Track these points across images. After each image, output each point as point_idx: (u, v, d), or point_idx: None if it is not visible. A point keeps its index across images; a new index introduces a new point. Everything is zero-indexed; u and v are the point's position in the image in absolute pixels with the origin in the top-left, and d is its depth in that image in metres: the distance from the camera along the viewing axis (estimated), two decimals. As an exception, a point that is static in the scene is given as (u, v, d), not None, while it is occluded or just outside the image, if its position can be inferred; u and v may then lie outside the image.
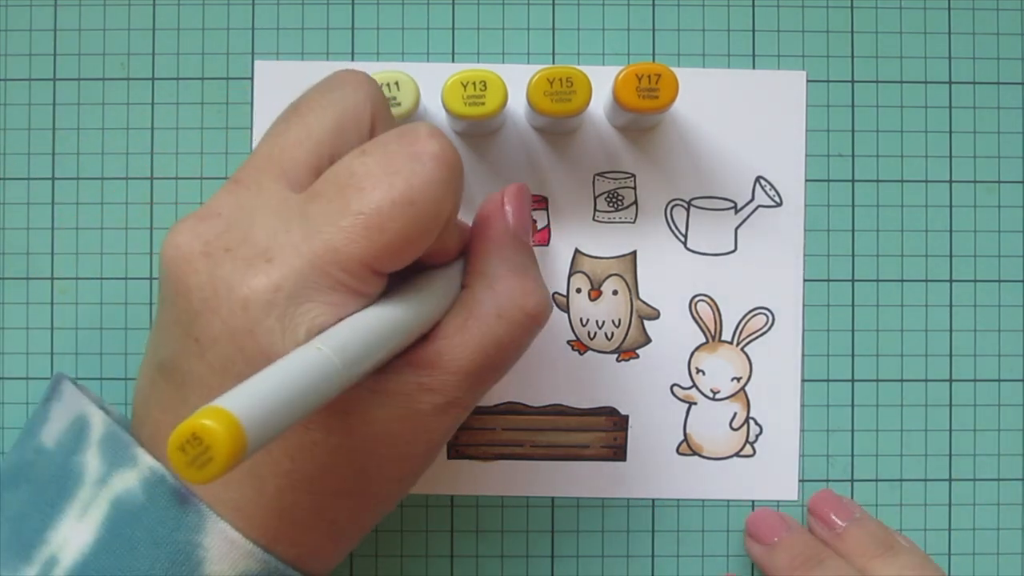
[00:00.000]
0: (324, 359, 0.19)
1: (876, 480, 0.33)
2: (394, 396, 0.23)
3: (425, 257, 0.24)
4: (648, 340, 0.33)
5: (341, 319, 0.21)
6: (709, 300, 0.33)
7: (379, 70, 0.30)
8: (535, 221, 0.33)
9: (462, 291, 0.25)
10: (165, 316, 0.23)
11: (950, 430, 0.33)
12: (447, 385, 0.23)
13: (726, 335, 0.33)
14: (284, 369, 0.19)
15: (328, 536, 0.24)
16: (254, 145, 0.33)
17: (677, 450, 0.33)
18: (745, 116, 0.33)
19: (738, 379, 0.33)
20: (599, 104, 0.33)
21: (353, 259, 0.21)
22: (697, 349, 0.33)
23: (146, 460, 0.23)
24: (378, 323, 0.22)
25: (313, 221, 0.21)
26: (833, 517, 0.32)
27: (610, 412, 0.33)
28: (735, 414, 0.33)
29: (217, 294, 0.21)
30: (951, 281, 0.33)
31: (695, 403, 0.33)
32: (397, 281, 0.24)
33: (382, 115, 0.24)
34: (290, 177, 0.23)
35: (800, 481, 0.33)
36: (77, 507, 0.23)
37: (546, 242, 0.33)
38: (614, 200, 0.33)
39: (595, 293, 0.33)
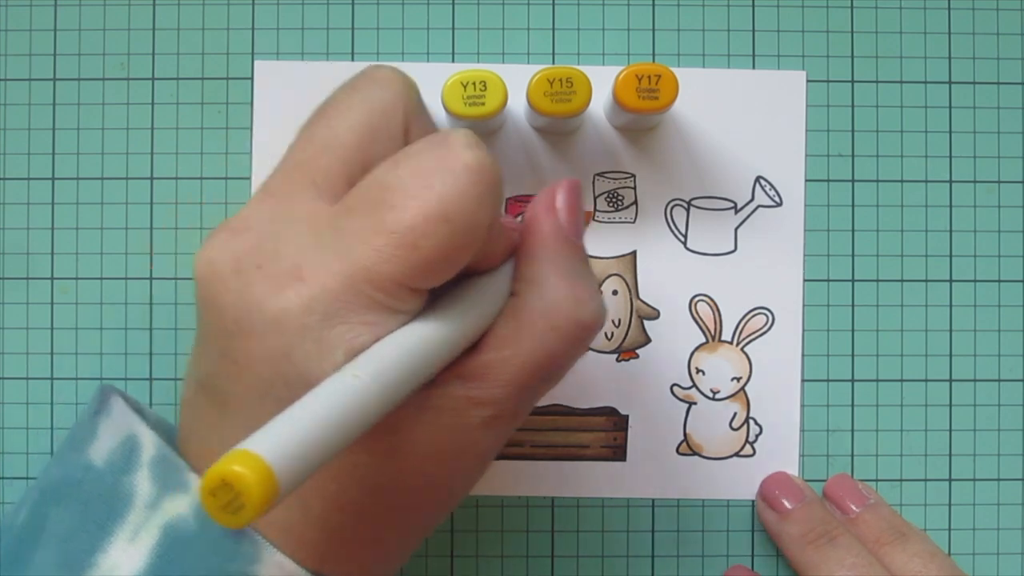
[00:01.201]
0: (361, 388, 0.19)
1: (876, 480, 0.33)
2: (442, 412, 0.22)
3: (470, 265, 0.22)
4: (648, 340, 0.33)
5: (379, 338, 0.20)
6: (709, 300, 0.33)
7: (379, 70, 0.30)
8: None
9: (511, 298, 0.24)
10: (202, 331, 0.22)
11: (950, 430, 0.33)
12: (497, 398, 0.22)
13: (726, 335, 0.33)
14: (317, 402, 0.18)
15: (377, 556, 0.24)
16: (254, 145, 0.33)
17: (677, 450, 0.33)
18: (745, 116, 0.33)
19: (738, 379, 0.33)
20: (599, 104, 0.33)
21: (387, 279, 0.20)
22: (697, 349, 0.33)
23: (198, 486, 0.22)
24: (419, 342, 0.21)
25: (345, 239, 0.20)
26: (848, 502, 0.32)
27: (610, 412, 0.33)
28: (735, 414, 0.33)
29: (250, 315, 0.20)
30: (951, 281, 0.33)
31: (695, 403, 0.33)
32: (442, 289, 0.22)
33: (416, 114, 0.23)
34: (321, 187, 0.22)
35: (800, 481, 0.33)
36: (128, 530, 0.22)
37: (546, 242, 0.33)
38: (614, 200, 0.33)
39: (595, 293, 0.33)
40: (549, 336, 0.23)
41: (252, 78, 0.33)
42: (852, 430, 0.33)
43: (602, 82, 0.32)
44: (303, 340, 0.20)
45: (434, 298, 0.22)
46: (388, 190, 0.20)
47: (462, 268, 0.21)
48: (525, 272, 0.24)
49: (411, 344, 0.20)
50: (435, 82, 0.31)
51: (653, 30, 0.33)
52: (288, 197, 0.22)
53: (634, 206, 0.33)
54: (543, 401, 0.33)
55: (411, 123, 0.23)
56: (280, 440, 0.17)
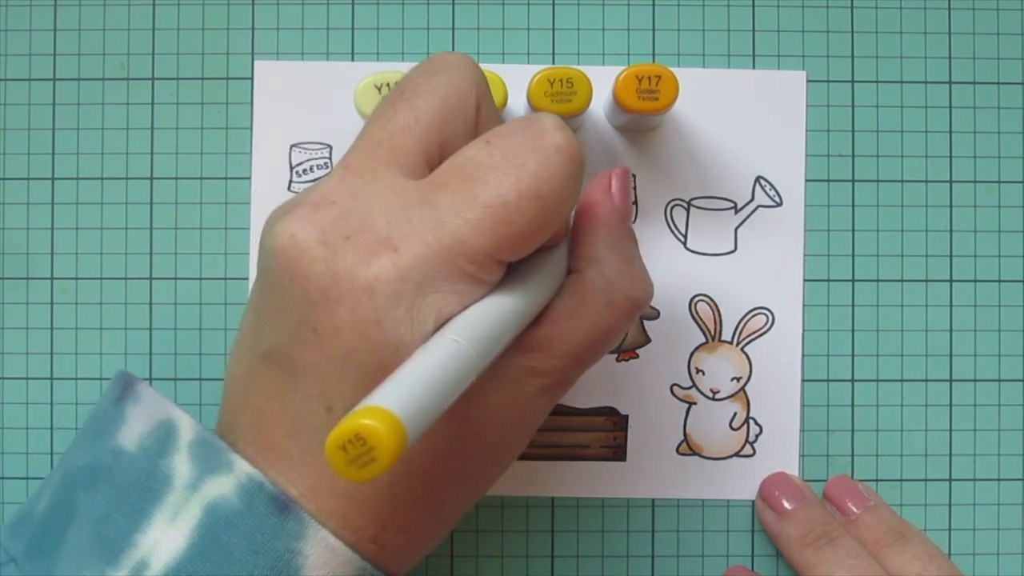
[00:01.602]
0: (462, 352, 0.20)
1: (876, 480, 0.33)
2: (504, 379, 0.23)
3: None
4: (648, 340, 0.33)
5: (465, 307, 0.22)
6: (709, 300, 0.33)
7: (379, 70, 0.30)
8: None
9: (570, 275, 0.25)
10: (270, 304, 0.22)
11: (950, 430, 0.33)
12: (554, 368, 0.24)
13: (726, 335, 0.33)
14: (427, 364, 0.19)
15: (435, 520, 0.24)
16: (254, 145, 0.33)
17: (677, 450, 0.33)
18: (745, 116, 0.33)
19: (738, 379, 0.33)
20: (599, 104, 0.33)
21: (479, 251, 0.21)
22: (697, 349, 0.33)
23: (243, 467, 0.22)
24: (501, 311, 0.22)
25: (438, 211, 0.21)
26: (848, 504, 0.32)
27: (610, 412, 0.33)
28: (735, 414, 0.33)
29: (338, 283, 0.21)
30: (951, 281, 0.33)
31: (695, 403, 0.33)
32: (512, 265, 0.24)
33: (485, 98, 0.24)
34: (402, 164, 0.23)
35: (800, 481, 0.33)
36: (166, 511, 0.22)
37: (546, 242, 0.33)
38: (614, 200, 0.33)
39: (595, 293, 0.33)
40: (607, 311, 0.24)
41: (252, 78, 0.33)
42: (852, 430, 0.33)
43: (602, 82, 0.32)
44: (395, 307, 0.21)
45: (505, 273, 0.23)
46: (481, 167, 0.22)
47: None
48: (585, 251, 0.25)
49: (495, 313, 0.22)
50: (435, 82, 0.31)
51: (653, 30, 0.33)
52: (372, 173, 0.22)
53: (634, 206, 0.33)
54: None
55: (480, 107, 0.24)
56: (405, 397, 0.18)
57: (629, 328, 0.25)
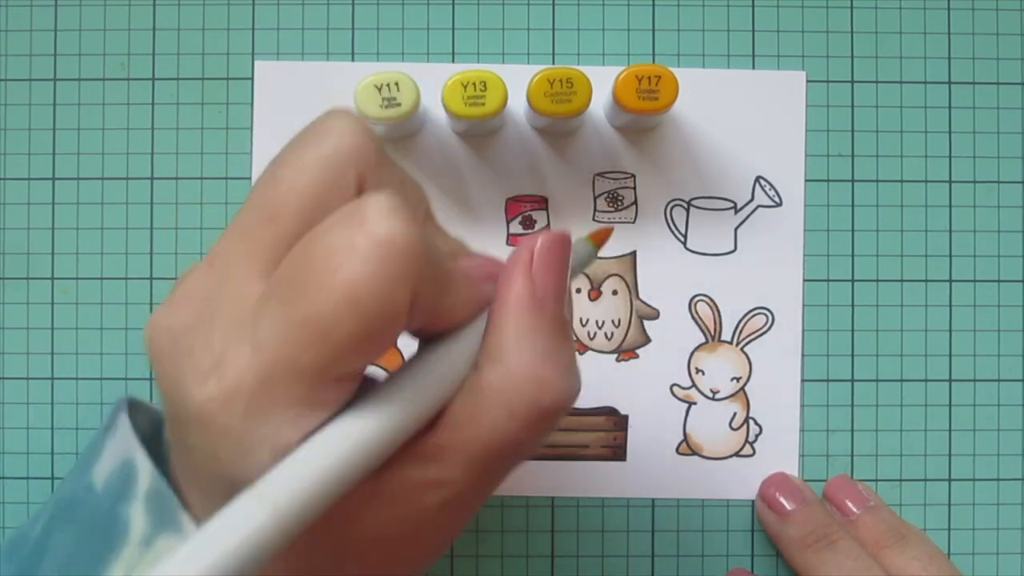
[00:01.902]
0: (258, 525, 0.18)
1: (876, 480, 0.33)
2: (394, 498, 0.20)
3: (430, 324, 0.20)
4: (648, 340, 0.33)
5: (307, 433, 0.19)
6: (709, 300, 0.33)
7: (379, 70, 0.30)
8: (535, 221, 0.33)
9: (473, 371, 0.21)
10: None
11: (950, 430, 0.33)
12: (454, 479, 0.20)
13: (726, 335, 0.33)
14: (220, 535, 0.18)
15: None
16: (254, 145, 0.33)
17: (677, 450, 0.33)
18: (745, 116, 0.33)
19: (738, 379, 0.33)
20: (599, 104, 0.33)
21: (305, 371, 0.18)
22: (697, 349, 0.33)
23: (190, 529, 0.21)
24: (351, 438, 0.19)
25: (262, 328, 0.19)
26: (848, 504, 0.32)
27: (610, 412, 0.33)
28: (735, 414, 0.33)
29: (182, 406, 0.19)
30: (951, 281, 0.33)
31: (695, 403, 0.33)
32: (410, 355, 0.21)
33: (375, 164, 0.21)
34: (263, 256, 0.20)
35: (800, 481, 0.33)
36: (123, 566, 0.21)
37: (546, 242, 0.33)
38: (614, 200, 0.33)
39: (595, 293, 0.33)
40: (508, 423, 0.20)
41: (252, 78, 0.33)
42: (852, 430, 0.33)
43: (602, 82, 0.32)
44: (226, 439, 0.19)
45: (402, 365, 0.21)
46: (301, 272, 0.19)
47: (424, 325, 0.20)
48: (488, 343, 0.21)
49: (340, 443, 0.19)
50: (435, 82, 0.31)
51: (653, 30, 0.33)
52: (224, 272, 0.20)
53: (634, 206, 0.33)
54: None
55: (366, 175, 0.20)
56: (197, 565, 0.17)
57: (547, 436, 0.22)
